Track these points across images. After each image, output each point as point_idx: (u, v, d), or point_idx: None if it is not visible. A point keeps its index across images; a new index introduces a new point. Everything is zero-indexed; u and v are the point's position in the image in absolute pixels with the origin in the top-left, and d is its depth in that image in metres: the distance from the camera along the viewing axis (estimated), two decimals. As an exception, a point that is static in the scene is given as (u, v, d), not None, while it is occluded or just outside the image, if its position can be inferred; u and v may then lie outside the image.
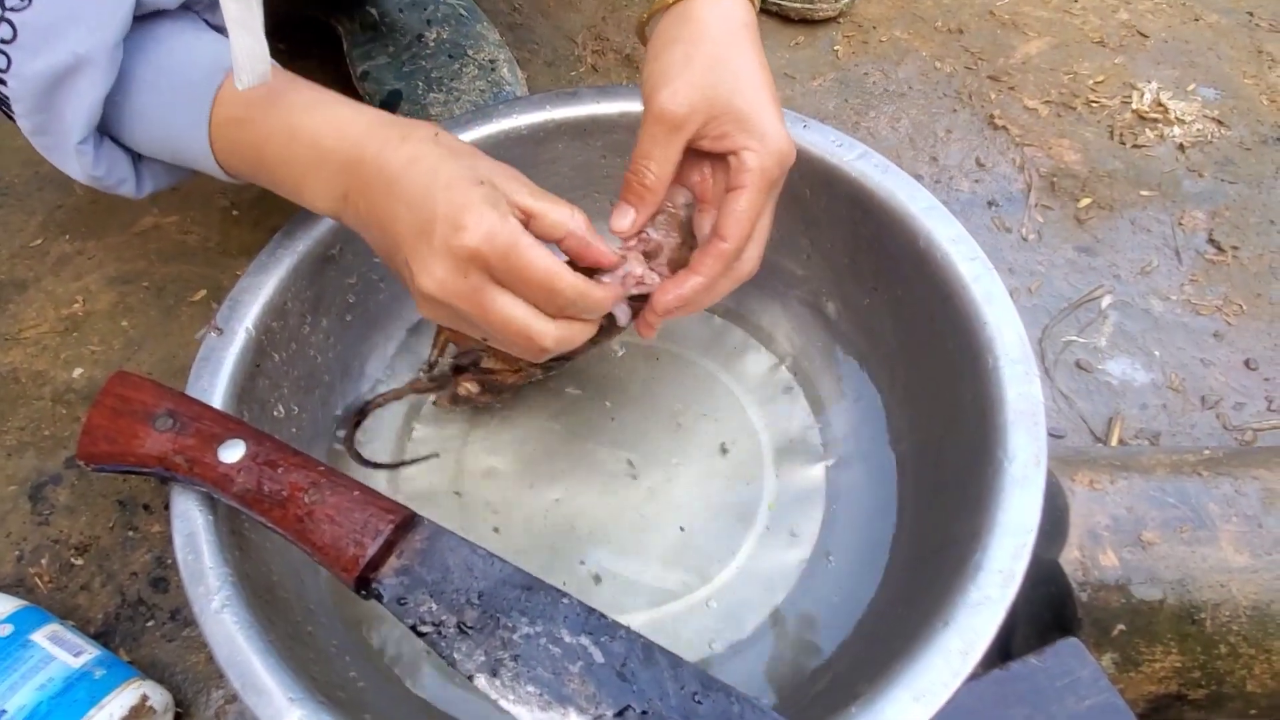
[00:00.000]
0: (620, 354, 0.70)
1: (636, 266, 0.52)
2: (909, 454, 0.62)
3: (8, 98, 0.50)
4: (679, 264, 0.54)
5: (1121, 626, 0.52)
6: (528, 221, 0.47)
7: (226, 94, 0.51)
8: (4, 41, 0.48)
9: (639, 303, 0.54)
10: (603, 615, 0.46)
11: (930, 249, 0.60)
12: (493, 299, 0.46)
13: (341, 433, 0.66)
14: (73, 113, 0.50)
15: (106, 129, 0.53)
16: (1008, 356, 0.54)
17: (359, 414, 0.66)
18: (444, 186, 0.45)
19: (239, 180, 0.55)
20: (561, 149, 0.69)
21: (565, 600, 0.46)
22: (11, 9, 0.48)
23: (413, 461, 0.66)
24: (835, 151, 0.64)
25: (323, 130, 0.49)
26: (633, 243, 0.53)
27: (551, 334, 0.48)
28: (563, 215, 0.48)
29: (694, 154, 0.53)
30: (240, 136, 0.51)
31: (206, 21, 0.55)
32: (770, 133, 0.51)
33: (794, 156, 0.52)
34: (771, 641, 0.57)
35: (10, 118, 0.52)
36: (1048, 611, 0.54)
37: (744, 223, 0.51)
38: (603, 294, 0.49)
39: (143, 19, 0.51)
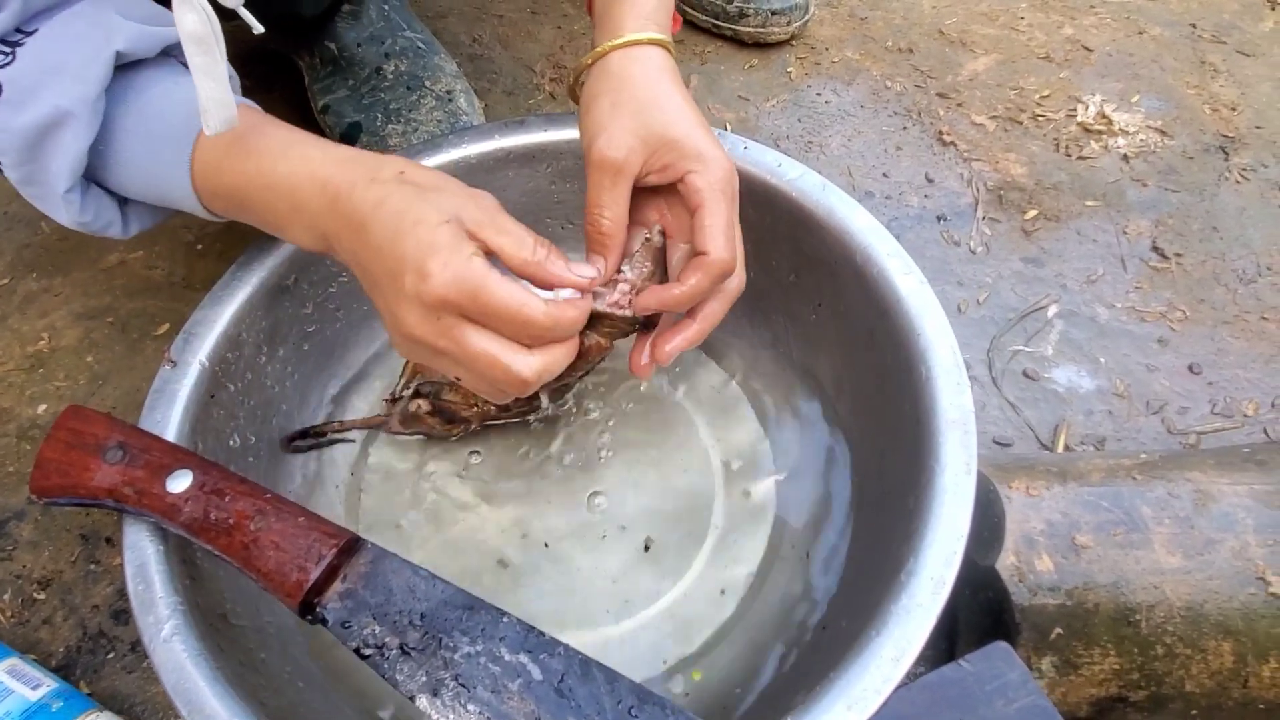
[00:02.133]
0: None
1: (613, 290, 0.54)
2: (854, 467, 0.63)
3: None
4: None
5: (1059, 630, 0.53)
6: (490, 255, 0.48)
7: (205, 140, 0.52)
8: None
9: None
10: (541, 633, 0.47)
11: (868, 264, 0.61)
12: (467, 337, 0.47)
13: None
14: (58, 164, 0.52)
15: (92, 175, 0.55)
16: (940, 366, 0.56)
17: (301, 434, 0.67)
18: (410, 231, 0.46)
19: (223, 219, 0.56)
20: (511, 176, 0.71)
21: (505, 619, 0.47)
22: None
23: (333, 437, 0.67)
24: (776, 171, 0.65)
25: (297, 176, 0.50)
26: (616, 290, 0.54)
27: (532, 365, 0.48)
28: (521, 247, 0.48)
29: (647, 193, 0.56)
30: (220, 182, 0.53)
31: (185, 66, 0.56)
32: (707, 153, 0.53)
33: (734, 170, 0.54)
34: (717, 657, 0.58)
35: None
36: (987, 618, 0.55)
37: (717, 233, 0.52)
38: (575, 312, 0.49)
39: (124, 68, 0.53)
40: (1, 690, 0.56)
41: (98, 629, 0.65)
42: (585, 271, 0.51)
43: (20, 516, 0.70)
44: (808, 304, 0.67)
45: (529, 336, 0.47)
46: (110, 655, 0.63)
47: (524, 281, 0.48)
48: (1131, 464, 0.58)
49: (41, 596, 0.66)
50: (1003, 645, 0.47)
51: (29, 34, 0.51)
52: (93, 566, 0.68)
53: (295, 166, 0.50)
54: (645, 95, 0.54)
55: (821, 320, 0.67)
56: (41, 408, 0.76)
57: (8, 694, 0.56)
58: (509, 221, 0.49)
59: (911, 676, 0.46)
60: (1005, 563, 0.54)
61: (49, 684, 0.58)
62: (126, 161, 0.54)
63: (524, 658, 0.46)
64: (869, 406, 0.63)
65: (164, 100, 0.53)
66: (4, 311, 0.83)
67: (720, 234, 0.53)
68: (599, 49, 0.56)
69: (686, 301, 0.54)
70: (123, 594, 0.66)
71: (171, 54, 0.55)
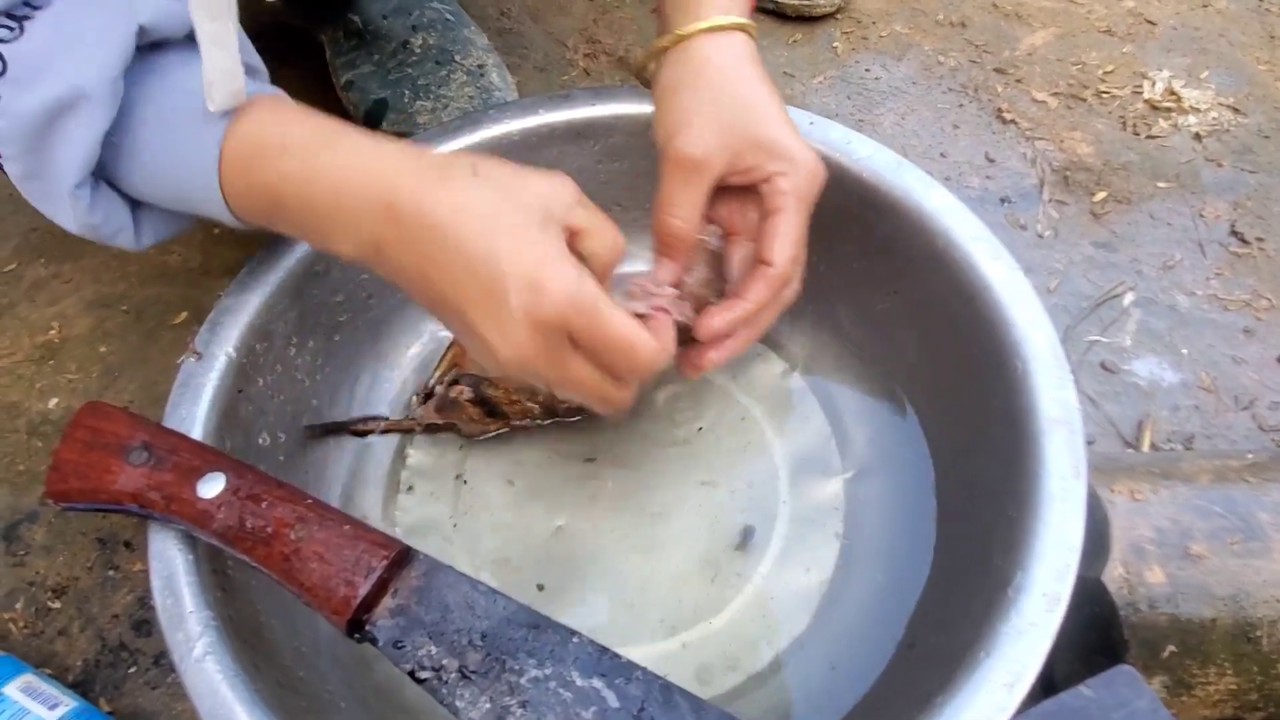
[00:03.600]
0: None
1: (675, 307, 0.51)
2: (932, 466, 0.59)
3: None
4: (703, 297, 0.53)
5: (1172, 648, 0.49)
6: (573, 239, 0.44)
7: (238, 130, 0.45)
8: None
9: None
10: (616, 655, 0.43)
11: (950, 249, 0.56)
12: (572, 363, 0.44)
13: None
14: (68, 153, 0.45)
15: (103, 173, 0.48)
16: (1038, 360, 0.51)
17: (325, 427, 0.62)
18: (507, 241, 0.41)
19: (252, 226, 0.49)
20: (556, 154, 0.66)
21: (576, 639, 0.43)
22: (3, 39, 0.43)
23: (357, 426, 0.63)
24: (845, 149, 0.60)
25: (346, 174, 0.44)
26: (670, 291, 0.51)
27: (625, 397, 0.47)
28: (612, 251, 0.46)
29: (720, 190, 0.52)
30: (251, 180, 0.46)
31: None
32: (799, 155, 0.50)
33: (824, 174, 0.51)
34: (793, 674, 0.54)
35: None
36: (1091, 634, 0.50)
37: (788, 244, 0.50)
38: (671, 343, 0.47)
39: (144, 50, 0.46)
40: (16, 711, 0.52)
41: (118, 640, 0.60)
42: (667, 283, 0.48)
43: (32, 519, 0.66)
44: (878, 292, 0.63)
45: (628, 369, 0.45)
46: (132, 669, 0.59)
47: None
48: (1240, 465, 0.54)
49: (56, 605, 0.62)
50: (1127, 669, 0.42)
51: (39, 7, 0.44)
52: (111, 573, 0.63)
53: (342, 162, 0.44)
54: (732, 89, 0.50)
55: (893, 309, 0.62)
56: (53, 401, 0.72)
57: (23, 715, 0.52)
58: (593, 214, 0.45)
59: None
60: (1112, 574, 0.49)
61: (67, 703, 0.53)
62: (143, 156, 0.47)
63: (598, 682, 0.42)
64: (950, 403, 0.58)
65: (189, 89, 0.46)
66: (11, 299, 0.78)
67: (790, 245, 0.50)
68: (680, 32, 0.51)
69: (752, 318, 0.51)
70: (144, 603, 0.62)
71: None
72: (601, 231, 0.45)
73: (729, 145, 0.49)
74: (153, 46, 0.46)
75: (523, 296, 0.41)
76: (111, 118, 0.45)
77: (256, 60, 0.52)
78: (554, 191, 0.44)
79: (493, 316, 0.42)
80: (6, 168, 0.46)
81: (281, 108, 0.47)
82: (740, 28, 0.52)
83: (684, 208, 0.50)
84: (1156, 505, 0.51)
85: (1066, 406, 0.49)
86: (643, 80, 0.57)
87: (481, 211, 0.41)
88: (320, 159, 0.44)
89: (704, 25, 0.51)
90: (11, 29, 0.43)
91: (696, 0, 0.51)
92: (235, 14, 0.43)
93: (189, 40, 0.47)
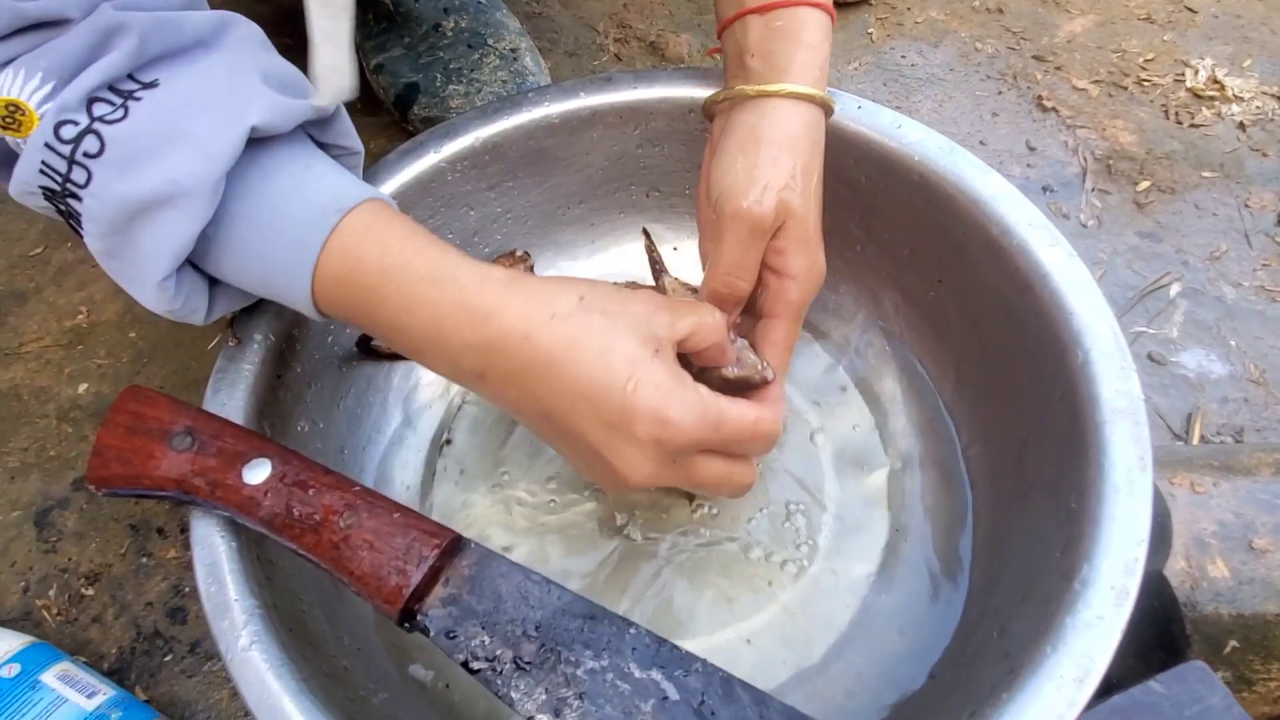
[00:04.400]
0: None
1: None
2: (983, 457, 0.58)
3: (79, 214, 0.42)
4: None
5: (1234, 643, 0.48)
6: (682, 344, 0.45)
7: (337, 243, 0.43)
8: (88, 155, 0.41)
9: None
10: (675, 646, 0.42)
11: (1005, 236, 0.55)
12: (701, 468, 0.45)
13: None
14: (159, 246, 0.42)
15: (190, 256, 0.45)
16: (1100, 349, 0.50)
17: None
18: (624, 371, 0.41)
19: (337, 320, 0.48)
20: (596, 138, 0.65)
21: (633, 630, 0.42)
22: (102, 119, 0.40)
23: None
24: (894, 134, 0.59)
25: (448, 308, 0.42)
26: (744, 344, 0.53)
27: (751, 474, 0.48)
28: (711, 331, 0.46)
29: None
30: (346, 293, 0.44)
31: (313, 138, 0.48)
32: (816, 264, 0.52)
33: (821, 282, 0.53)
34: (844, 669, 0.53)
35: (75, 230, 0.44)
36: (1151, 628, 0.49)
37: (783, 353, 0.52)
38: (782, 410, 0.48)
39: (251, 143, 0.43)
40: (54, 699, 0.51)
41: (152, 628, 0.59)
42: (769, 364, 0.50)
43: (64, 505, 0.65)
44: (925, 279, 0.61)
45: (754, 449, 0.47)
46: (168, 657, 0.58)
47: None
48: (1301, 458, 0.52)
49: (90, 593, 0.61)
50: (1199, 665, 0.41)
51: (147, 85, 0.42)
52: (144, 560, 0.62)
53: (445, 296, 0.42)
54: (801, 162, 0.50)
55: (942, 298, 0.61)
56: (82, 387, 0.71)
57: (61, 703, 0.51)
58: (688, 313, 0.45)
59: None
60: (1174, 568, 0.48)
61: (105, 691, 0.53)
62: (236, 250, 0.45)
63: (657, 674, 0.41)
64: (1003, 393, 0.57)
65: (293, 187, 0.45)
66: (39, 284, 0.77)
67: (784, 352, 0.53)
68: (769, 88, 0.51)
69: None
70: (178, 590, 0.61)
71: (306, 128, 0.47)
72: (703, 327, 0.45)
73: (783, 216, 0.50)
74: (260, 140, 0.44)
75: (651, 430, 0.41)
76: (209, 217, 0.43)
77: (355, 142, 0.50)
78: (654, 312, 0.44)
79: (618, 446, 0.42)
80: (88, 242, 0.44)
81: (383, 222, 0.45)
82: (825, 105, 0.52)
83: (747, 270, 0.51)
84: (1218, 498, 0.50)
85: (1130, 397, 0.48)
86: (707, 113, 0.57)
87: (595, 347, 0.41)
88: (421, 288, 0.43)
89: (793, 90, 0.51)
90: (114, 106, 0.41)
91: (786, 60, 0.51)
92: (352, 14, 0.42)
93: (294, 134, 0.46)
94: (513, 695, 0.40)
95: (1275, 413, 0.66)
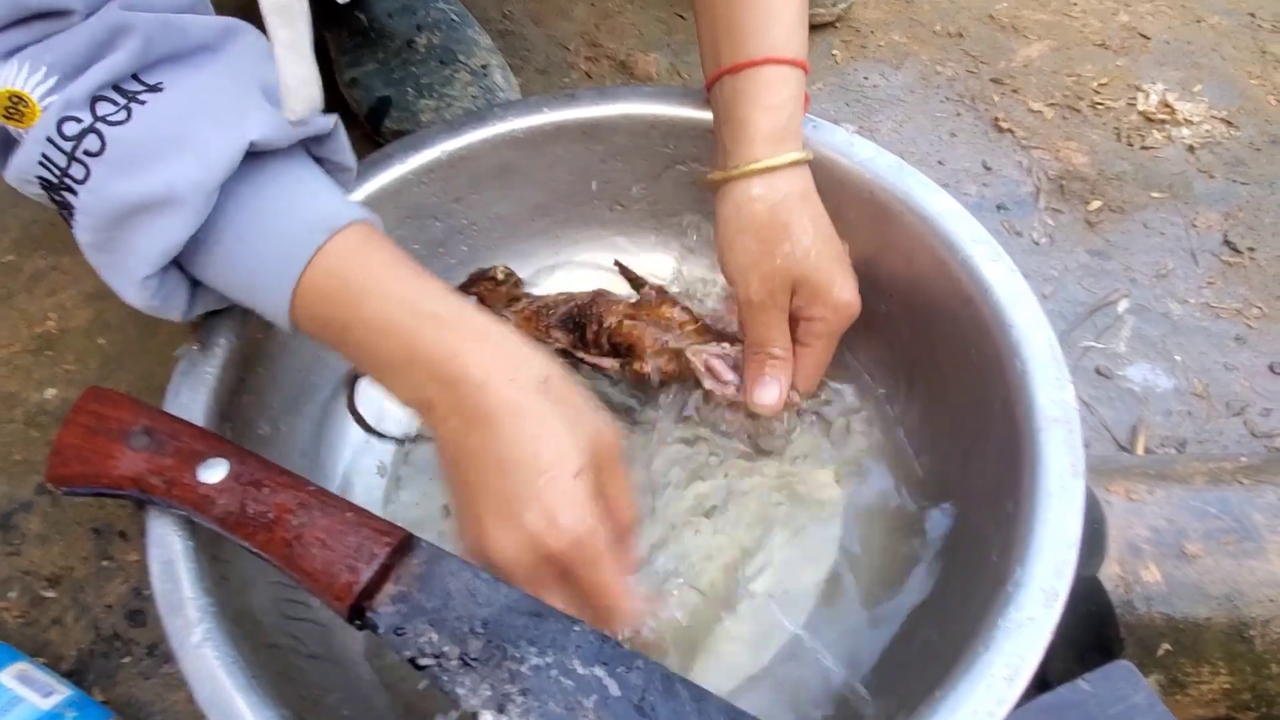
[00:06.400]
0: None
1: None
2: (932, 465, 0.59)
3: (74, 208, 0.43)
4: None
5: (1167, 646, 0.49)
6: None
7: (322, 261, 0.44)
8: (89, 153, 0.41)
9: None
10: (618, 644, 0.43)
11: (951, 251, 0.57)
12: (551, 594, 0.44)
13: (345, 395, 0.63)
14: (147, 245, 0.43)
15: (174, 261, 0.46)
16: (1037, 360, 0.51)
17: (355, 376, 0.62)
18: (546, 466, 0.42)
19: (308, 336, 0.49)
20: (560, 153, 0.66)
21: (577, 628, 0.43)
22: (105, 119, 0.41)
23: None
24: (847, 151, 0.61)
25: (422, 338, 0.44)
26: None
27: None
28: (627, 513, 0.47)
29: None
30: (325, 311, 0.45)
31: (309, 152, 0.49)
32: (842, 300, 0.56)
33: (858, 308, 0.57)
34: (793, 670, 0.54)
35: (66, 220, 0.45)
36: (1087, 632, 0.51)
37: (813, 376, 0.59)
38: (639, 611, 0.47)
39: (247, 156, 0.44)
40: (10, 698, 0.52)
41: (111, 630, 0.60)
42: (775, 406, 0.57)
43: (28, 508, 0.65)
44: (878, 294, 0.63)
45: (604, 619, 0.45)
46: (126, 659, 0.59)
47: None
48: (1234, 467, 0.54)
49: (51, 595, 0.61)
50: (1125, 664, 0.42)
51: (151, 88, 0.42)
52: (105, 563, 0.63)
53: (423, 328, 0.44)
54: (781, 232, 0.54)
55: (893, 311, 0.62)
56: (50, 392, 0.72)
57: (17, 702, 0.52)
58: (623, 477, 0.47)
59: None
60: (1109, 572, 0.50)
61: (62, 691, 0.53)
62: (223, 260, 0.46)
63: (599, 671, 0.42)
64: (949, 402, 0.58)
65: (284, 206, 0.46)
66: (10, 290, 0.78)
67: (817, 375, 0.59)
68: (733, 172, 0.55)
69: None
70: (138, 593, 0.61)
71: (304, 141, 0.48)
72: (625, 498, 0.46)
73: (786, 285, 0.55)
74: (256, 155, 0.45)
75: (538, 524, 0.42)
76: (200, 224, 0.43)
77: (349, 156, 0.51)
78: (607, 437, 0.45)
79: (500, 520, 0.43)
80: (77, 234, 0.45)
81: (371, 246, 0.46)
82: (794, 164, 0.54)
83: (782, 339, 0.56)
84: (1152, 505, 0.52)
85: (1065, 406, 0.50)
86: (707, 186, 0.59)
87: (534, 428, 0.42)
88: (398, 315, 0.44)
89: (757, 166, 0.54)
90: (118, 107, 0.42)
91: (749, 140, 0.54)
92: (309, 21, 0.43)
93: (289, 151, 0.47)
94: (458, 690, 0.41)
95: (1217, 425, 0.68)
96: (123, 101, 0.42)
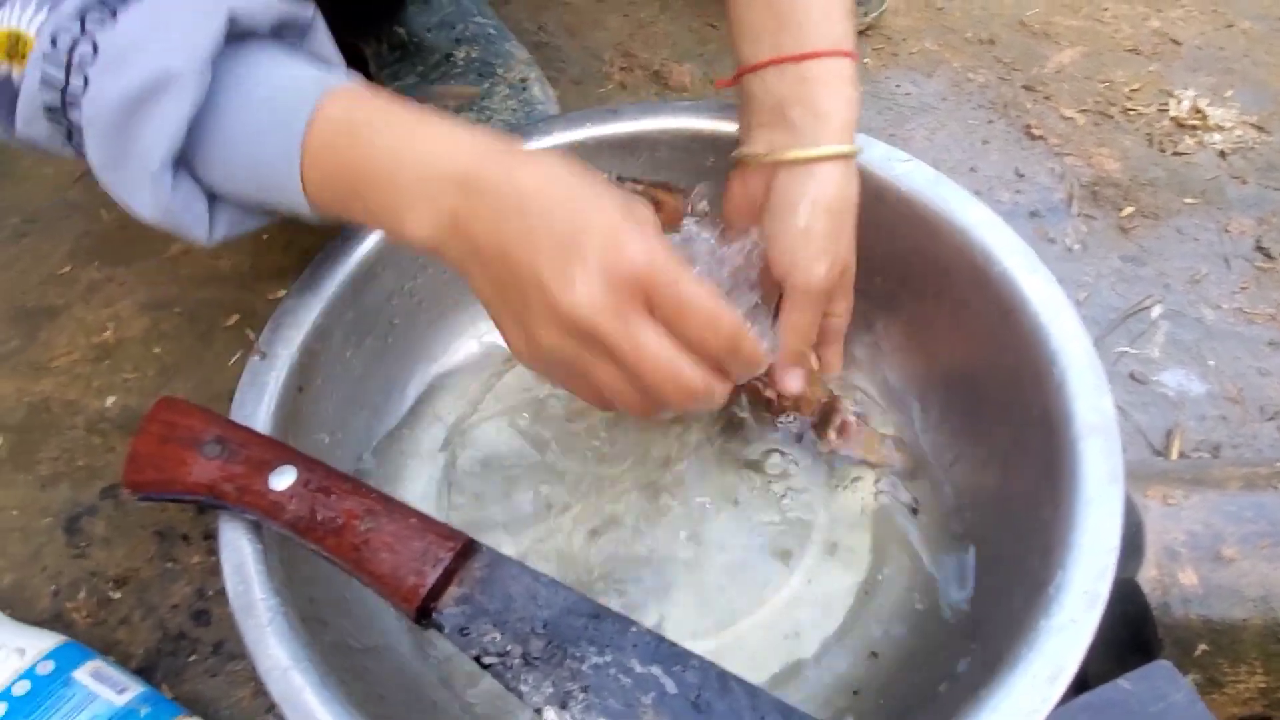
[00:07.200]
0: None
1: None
2: (966, 472, 0.61)
3: (80, 126, 0.45)
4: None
5: (1204, 647, 0.50)
6: None
7: (323, 115, 0.46)
8: (85, 62, 0.43)
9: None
10: (673, 644, 0.45)
11: (989, 263, 0.58)
12: (645, 331, 0.42)
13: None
14: (154, 133, 0.44)
15: (184, 163, 0.47)
16: (1075, 369, 0.53)
17: None
18: (593, 202, 0.42)
19: (324, 217, 0.49)
20: (603, 166, 0.67)
21: (634, 629, 0.45)
22: (93, 27, 0.43)
23: None
24: (883, 164, 0.62)
25: (435, 150, 0.44)
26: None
27: (702, 379, 0.44)
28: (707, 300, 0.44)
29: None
30: (336, 161, 0.46)
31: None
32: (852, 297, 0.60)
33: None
34: (832, 671, 0.55)
35: (78, 153, 0.47)
36: (1125, 633, 0.52)
37: (836, 360, 0.61)
38: (759, 351, 0.46)
39: (232, 42, 0.46)
40: (86, 694, 0.54)
41: (178, 630, 0.62)
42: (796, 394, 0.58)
43: (93, 512, 0.68)
44: (915, 305, 0.64)
45: (709, 349, 0.43)
46: (192, 658, 0.61)
47: None
48: (1269, 472, 0.55)
49: (118, 596, 0.64)
50: (1164, 664, 0.44)
51: None
52: (169, 565, 0.65)
53: (434, 142, 0.44)
54: (842, 223, 0.55)
55: (929, 321, 0.64)
56: (110, 400, 0.74)
57: (93, 699, 0.54)
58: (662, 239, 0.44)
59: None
60: (1146, 575, 0.51)
61: (134, 688, 0.55)
62: (225, 141, 0.46)
63: (656, 669, 0.44)
64: (984, 409, 0.60)
65: (278, 74, 0.47)
66: (67, 301, 0.81)
67: (837, 360, 0.62)
68: (819, 153, 0.53)
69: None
70: (202, 594, 0.64)
71: (284, 37, 0.50)
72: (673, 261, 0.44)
73: (838, 277, 0.55)
74: (240, 38, 0.47)
75: (601, 247, 0.40)
76: (200, 101, 0.44)
77: (334, 52, 0.53)
78: (632, 200, 0.45)
79: (565, 267, 0.40)
80: (90, 156, 0.46)
81: (368, 93, 0.47)
82: (848, 157, 0.55)
83: (813, 330, 0.56)
84: (1189, 510, 0.53)
85: (1104, 414, 0.51)
86: (742, 164, 0.59)
87: (570, 184, 0.42)
88: (412, 136, 0.45)
89: (844, 150, 0.54)
90: (103, 14, 0.44)
91: (832, 127, 0.54)
92: None
93: (275, 33, 0.49)
94: (522, 688, 0.43)
95: (1251, 430, 0.69)
96: (108, 9, 0.44)
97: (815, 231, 0.53)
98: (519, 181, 0.42)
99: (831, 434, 0.60)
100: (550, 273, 0.41)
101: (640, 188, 0.58)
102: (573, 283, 0.40)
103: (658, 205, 0.57)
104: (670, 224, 0.56)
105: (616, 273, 0.40)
